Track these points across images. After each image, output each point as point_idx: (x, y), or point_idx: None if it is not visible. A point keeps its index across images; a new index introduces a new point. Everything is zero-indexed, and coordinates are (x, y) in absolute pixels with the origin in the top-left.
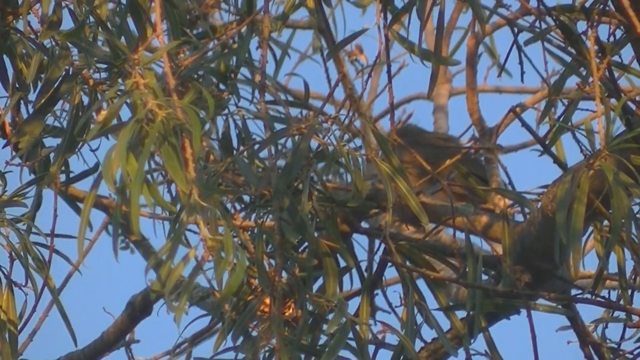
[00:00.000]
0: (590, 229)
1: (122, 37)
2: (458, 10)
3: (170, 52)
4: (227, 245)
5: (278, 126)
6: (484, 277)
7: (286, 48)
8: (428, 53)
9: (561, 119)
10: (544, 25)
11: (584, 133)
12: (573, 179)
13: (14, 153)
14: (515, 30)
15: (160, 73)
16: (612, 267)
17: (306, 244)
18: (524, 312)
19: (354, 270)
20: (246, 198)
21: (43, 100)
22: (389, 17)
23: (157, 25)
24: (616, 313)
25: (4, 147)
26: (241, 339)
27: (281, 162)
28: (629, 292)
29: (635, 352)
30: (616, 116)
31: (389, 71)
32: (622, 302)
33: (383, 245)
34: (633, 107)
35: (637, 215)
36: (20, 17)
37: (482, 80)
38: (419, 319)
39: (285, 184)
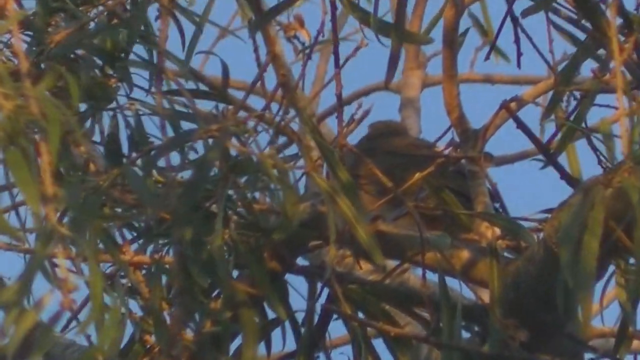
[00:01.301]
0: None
1: None
2: None
3: (35, 23)
4: (94, 289)
5: (186, 126)
6: (465, 334)
7: (200, 20)
8: (387, 26)
9: (572, 118)
10: None
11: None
12: (584, 201)
13: None
14: None
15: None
16: None
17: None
18: None
19: (287, 324)
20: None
21: None
22: None
23: None
24: None
25: None
26: None
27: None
28: None
29: None
30: None
31: (335, 51)
32: None
33: (327, 290)
34: None
35: None
36: None
37: (468, 66)
38: None
39: (190, 205)
